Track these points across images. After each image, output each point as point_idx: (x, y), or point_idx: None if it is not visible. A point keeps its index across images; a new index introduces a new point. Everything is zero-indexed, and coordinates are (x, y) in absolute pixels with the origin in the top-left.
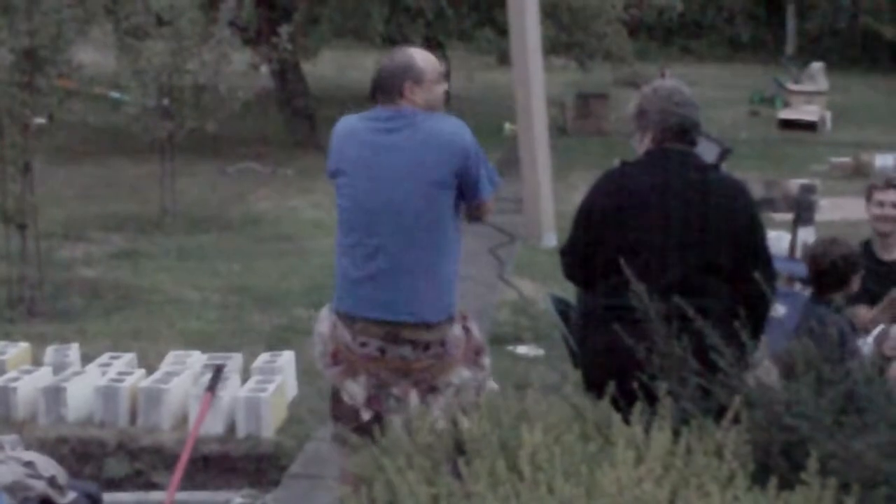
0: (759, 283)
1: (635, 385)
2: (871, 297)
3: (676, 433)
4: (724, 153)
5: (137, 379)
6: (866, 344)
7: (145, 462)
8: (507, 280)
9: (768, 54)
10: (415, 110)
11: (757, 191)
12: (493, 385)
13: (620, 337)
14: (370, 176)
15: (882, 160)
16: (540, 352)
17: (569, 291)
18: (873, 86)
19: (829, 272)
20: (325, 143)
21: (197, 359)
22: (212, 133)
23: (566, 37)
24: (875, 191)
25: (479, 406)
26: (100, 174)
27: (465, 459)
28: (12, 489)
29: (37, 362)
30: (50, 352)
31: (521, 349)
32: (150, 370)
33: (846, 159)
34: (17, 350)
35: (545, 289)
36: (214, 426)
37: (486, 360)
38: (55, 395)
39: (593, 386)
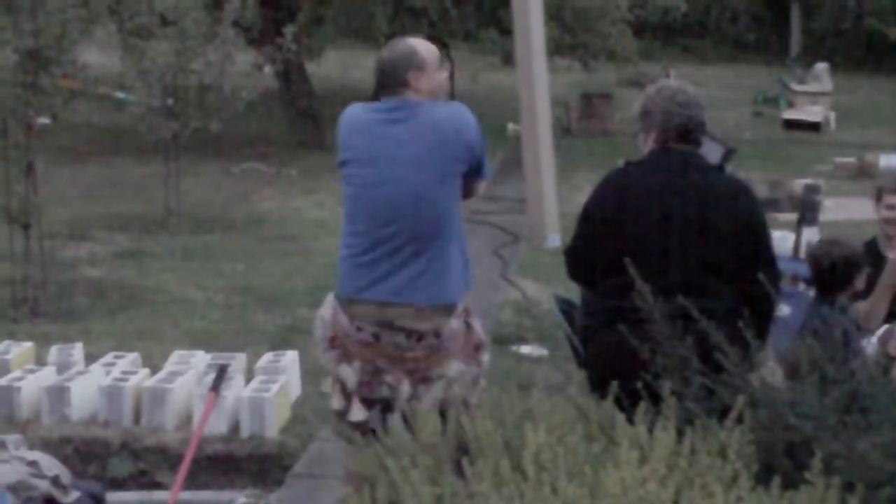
0: (763, 284)
1: (639, 385)
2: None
3: (680, 433)
4: (729, 154)
5: (141, 379)
6: (871, 344)
7: (149, 462)
8: (511, 280)
9: (772, 55)
10: (419, 100)
11: (761, 191)
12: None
13: (624, 337)
14: (376, 166)
15: (886, 160)
16: (543, 352)
17: (572, 292)
18: (878, 86)
19: (830, 273)
20: (330, 143)
21: (201, 358)
22: (216, 133)
23: (570, 37)
24: (885, 193)
25: (473, 401)
26: (104, 174)
27: (469, 459)
28: (16, 489)
29: (41, 362)
30: (54, 351)
31: (525, 349)
32: (154, 370)
33: (850, 160)
34: (21, 349)
35: (549, 289)
36: (218, 426)
37: (485, 357)
38: (59, 394)
39: (597, 386)
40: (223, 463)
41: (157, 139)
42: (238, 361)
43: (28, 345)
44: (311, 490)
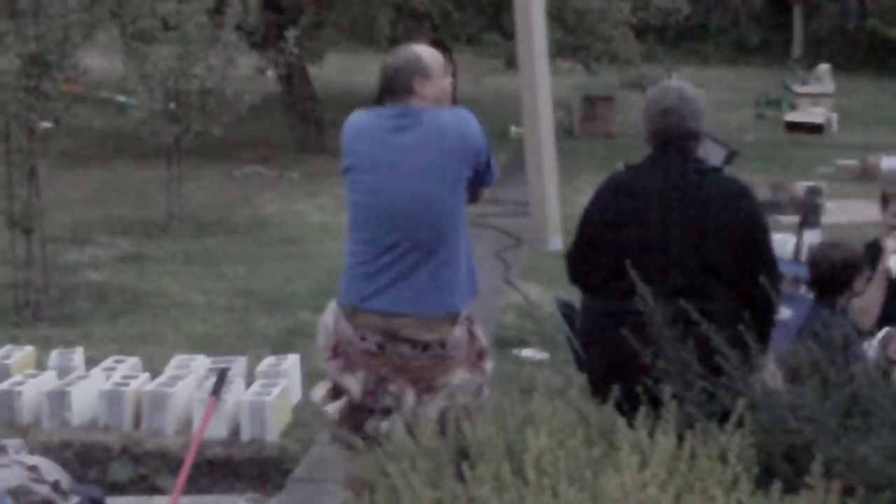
0: (764, 287)
1: (639, 389)
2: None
3: (681, 437)
4: (731, 156)
5: (142, 383)
6: (871, 347)
7: (149, 466)
8: (513, 283)
9: (775, 57)
10: (423, 107)
11: (763, 193)
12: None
13: (625, 341)
14: (380, 173)
15: (889, 162)
16: (545, 355)
17: (574, 295)
18: (880, 88)
19: (829, 276)
20: (332, 147)
21: (201, 362)
22: (218, 137)
23: (572, 40)
24: (892, 200)
25: (478, 409)
26: (106, 178)
27: (470, 463)
28: (16, 493)
29: (41, 366)
30: (54, 356)
31: (526, 353)
32: (155, 374)
33: (853, 162)
34: (22, 354)
35: (551, 292)
36: (219, 430)
37: (488, 365)
38: (60, 399)
39: (598, 390)
40: (223, 467)
41: (159, 143)
42: (239, 365)
43: (29, 349)
44: (311, 494)
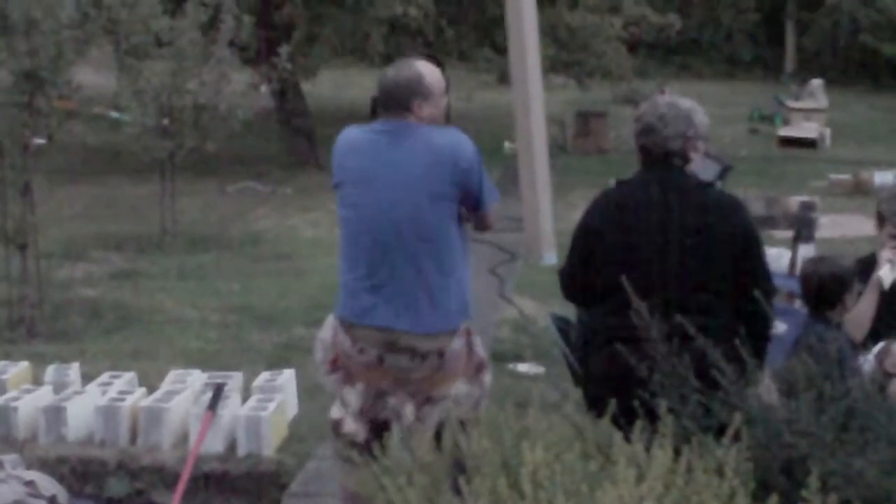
0: (759, 302)
1: (636, 403)
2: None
3: (677, 451)
4: (725, 171)
5: (138, 398)
6: (867, 361)
7: (146, 481)
8: (508, 298)
9: (767, 72)
10: (417, 124)
11: (757, 208)
12: None
13: (621, 356)
14: (371, 188)
15: (881, 177)
16: (540, 370)
17: (569, 309)
18: (873, 103)
19: (819, 291)
20: (325, 163)
21: (197, 378)
22: (212, 153)
23: (565, 55)
24: (888, 222)
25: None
26: (100, 194)
27: (466, 477)
28: None
29: (37, 382)
30: (50, 371)
31: (522, 367)
32: (151, 389)
33: (846, 176)
34: (18, 369)
35: (545, 307)
36: (215, 445)
37: (487, 378)
38: (56, 414)
39: (594, 404)
40: (220, 482)
41: (153, 159)
42: (234, 380)
43: (25, 364)
44: None
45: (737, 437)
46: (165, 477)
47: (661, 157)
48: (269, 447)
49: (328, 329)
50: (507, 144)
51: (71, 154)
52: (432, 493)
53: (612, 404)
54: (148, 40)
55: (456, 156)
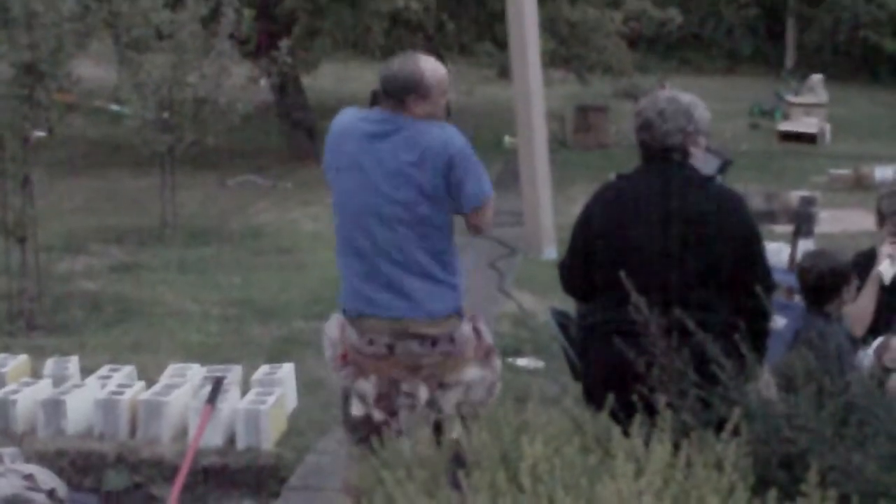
0: (759, 297)
1: (635, 397)
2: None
3: (676, 446)
4: (725, 165)
5: (137, 391)
6: (867, 356)
7: (145, 474)
8: (508, 292)
9: (768, 67)
10: (409, 118)
11: (757, 203)
12: None
13: (620, 350)
14: (361, 177)
15: (881, 172)
16: (540, 364)
17: (569, 304)
18: (873, 98)
19: (816, 285)
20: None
21: (197, 371)
22: (212, 146)
23: (566, 50)
24: (888, 220)
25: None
26: (100, 187)
27: (465, 471)
28: (12, 502)
29: (36, 375)
30: (49, 364)
31: (522, 361)
32: (150, 383)
33: (846, 171)
34: (17, 362)
35: (545, 301)
36: (214, 438)
37: (497, 362)
38: (55, 407)
39: (593, 398)
40: (219, 475)
41: (153, 152)
42: (234, 374)
43: (24, 357)
44: (307, 502)
45: (736, 432)
46: (164, 470)
47: (660, 151)
48: (269, 441)
49: (334, 325)
50: (507, 139)
51: (71, 147)
52: (431, 486)
53: (612, 399)
54: (148, 33)
55: (442, 149)
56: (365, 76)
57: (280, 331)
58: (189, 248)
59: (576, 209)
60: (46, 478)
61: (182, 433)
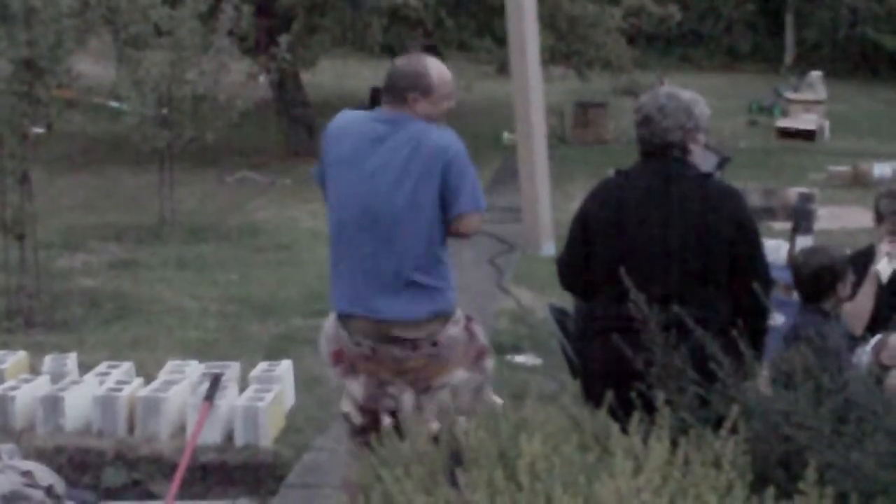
0: (757, 294)
1: (633, 395)
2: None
3: (674, 443)
4: (723, 162)
5: (135, 388)
6: (865, 353)
7: (143, 471)
8: (506, 289)
9: (767, 63)
10: (409, 117)
11: (755, 200)
12: (496, 399)
13: (618, 347)
14: (356, 177)
15: (880, 169)
16: (538, 361)
17: (567, 301)
18: (872, 95)
19: (811, 281)
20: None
21: (195, 368)
22: (211, 142)
23: (565, 46)
24: (886, 219)
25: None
26: (98, 184)
27: (463, 469)
28: (10, 499)
29: (35, 371)
30: (48, 361)
31: (520, 358)
32: (149, 379)
33: (845, 168)
34: (16, 359)
35: (544, 297)
36: (212, 435)
37: (488, 364)
38: (53, 404)
39: (591, 396)
40: (217, 472)
41: (152, 149)
42: (232, 371)
43: (22, 354)
44: (305, 500)
45: (734, 430)
46: (163, 467)
47: (659, 148)
48: (267, 438)
49: (331, 323)
50: (506, 135)
51: (70, 143)
52: (429, 484)
53: (610, 396)
54: (147, 30)
55: (438, 152)
56: (364, 73)
57: (278, 328)
58: (187, 245)
59: (574, 205)
60: (45, 474)
61: (180, 430)
